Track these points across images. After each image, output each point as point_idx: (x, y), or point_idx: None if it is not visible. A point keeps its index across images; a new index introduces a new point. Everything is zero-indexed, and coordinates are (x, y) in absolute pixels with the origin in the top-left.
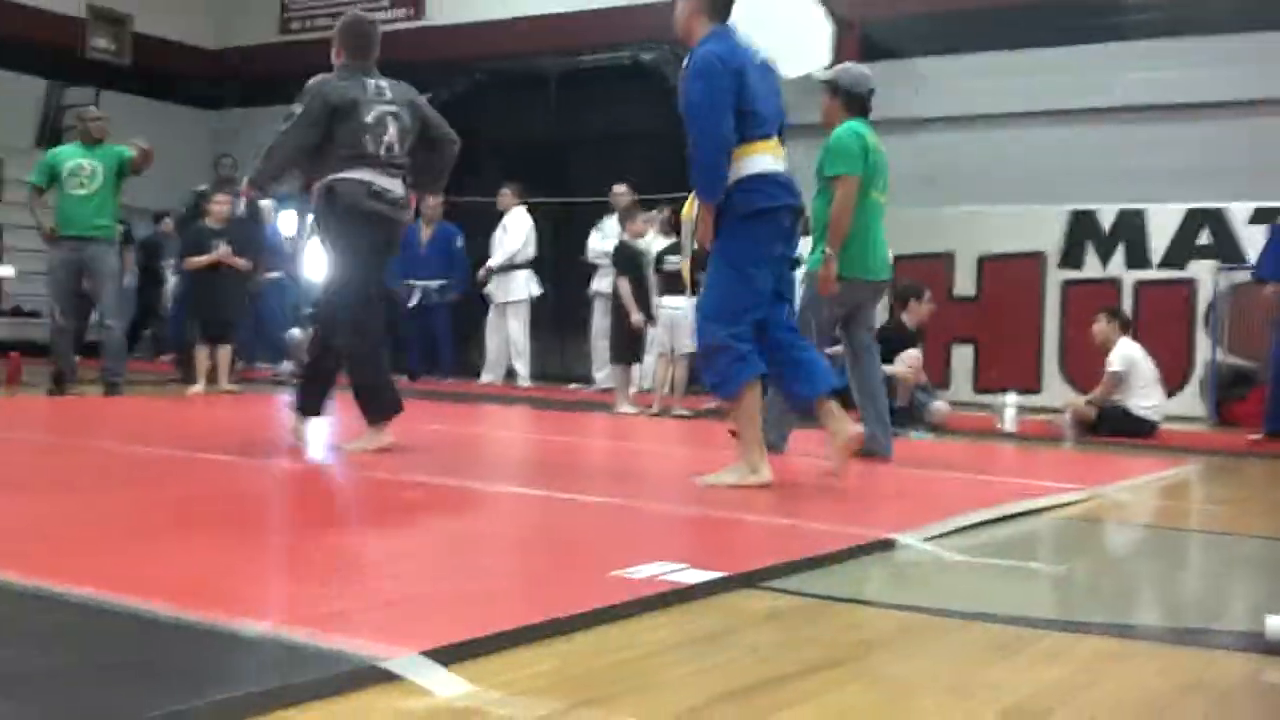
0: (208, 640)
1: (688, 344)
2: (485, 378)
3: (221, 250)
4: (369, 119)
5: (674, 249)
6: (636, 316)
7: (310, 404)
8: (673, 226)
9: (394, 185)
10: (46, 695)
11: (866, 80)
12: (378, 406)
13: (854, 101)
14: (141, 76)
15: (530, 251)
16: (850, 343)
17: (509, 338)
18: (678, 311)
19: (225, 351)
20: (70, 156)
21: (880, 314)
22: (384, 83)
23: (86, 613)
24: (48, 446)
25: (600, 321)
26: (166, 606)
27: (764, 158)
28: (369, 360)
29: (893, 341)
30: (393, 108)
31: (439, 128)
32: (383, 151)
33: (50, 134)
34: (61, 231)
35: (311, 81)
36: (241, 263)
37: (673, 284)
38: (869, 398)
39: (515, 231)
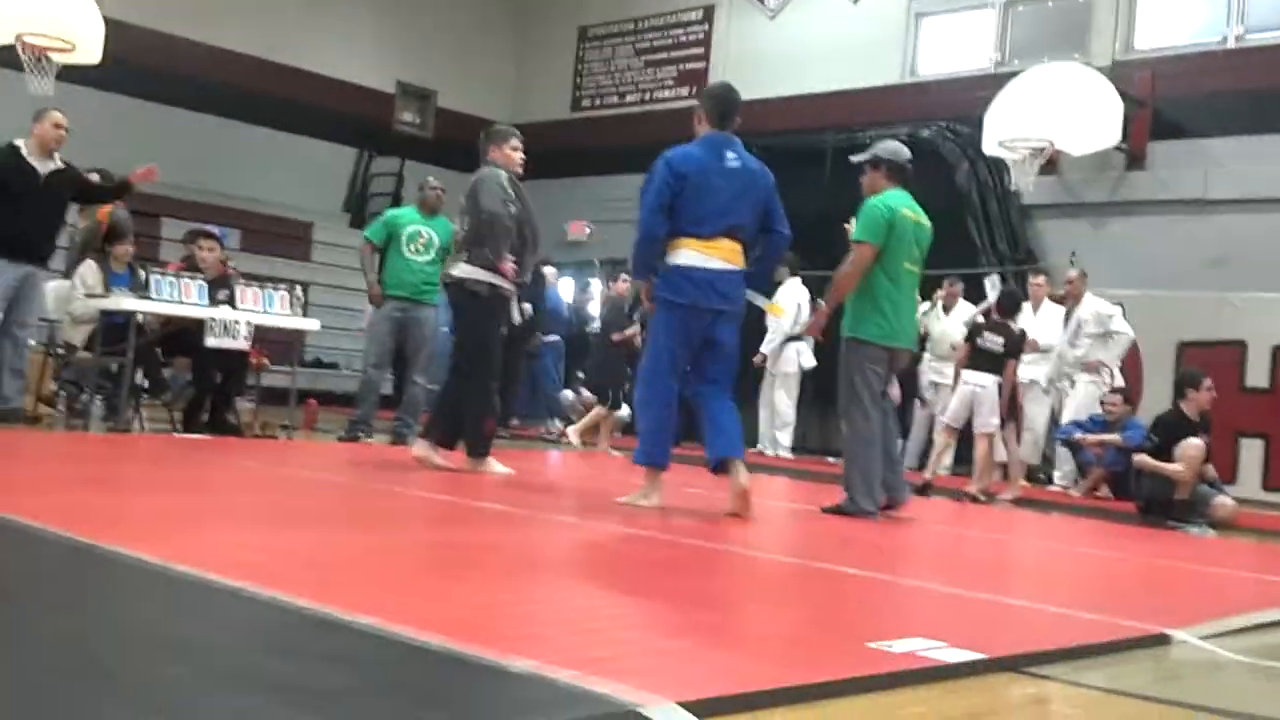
0: (477, 673)
1: (991, 422)
2: (758, 447)
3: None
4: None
5: (995, 328)
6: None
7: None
8: (1001, 309)
9: (454, 268)
10: (335, 710)
11: (903, 152)
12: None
13: (895, 171)
14: (442, 148)
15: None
16: (862, 407)
17: (775, 408)
18: (982, 390)
19: (610, 419)
20: (411, 221)
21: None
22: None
23: (368, 640)
24: (343, 487)
25: None
26: (440, 639)
27: (690, 254)
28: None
29: (1172, 429)
30: (462, 196)
31: (479, 202)
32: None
33: (357, 201)
34: (390, 291)
35: None
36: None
37: (981, 360)
38: (888, 457)
39: (787, 307)
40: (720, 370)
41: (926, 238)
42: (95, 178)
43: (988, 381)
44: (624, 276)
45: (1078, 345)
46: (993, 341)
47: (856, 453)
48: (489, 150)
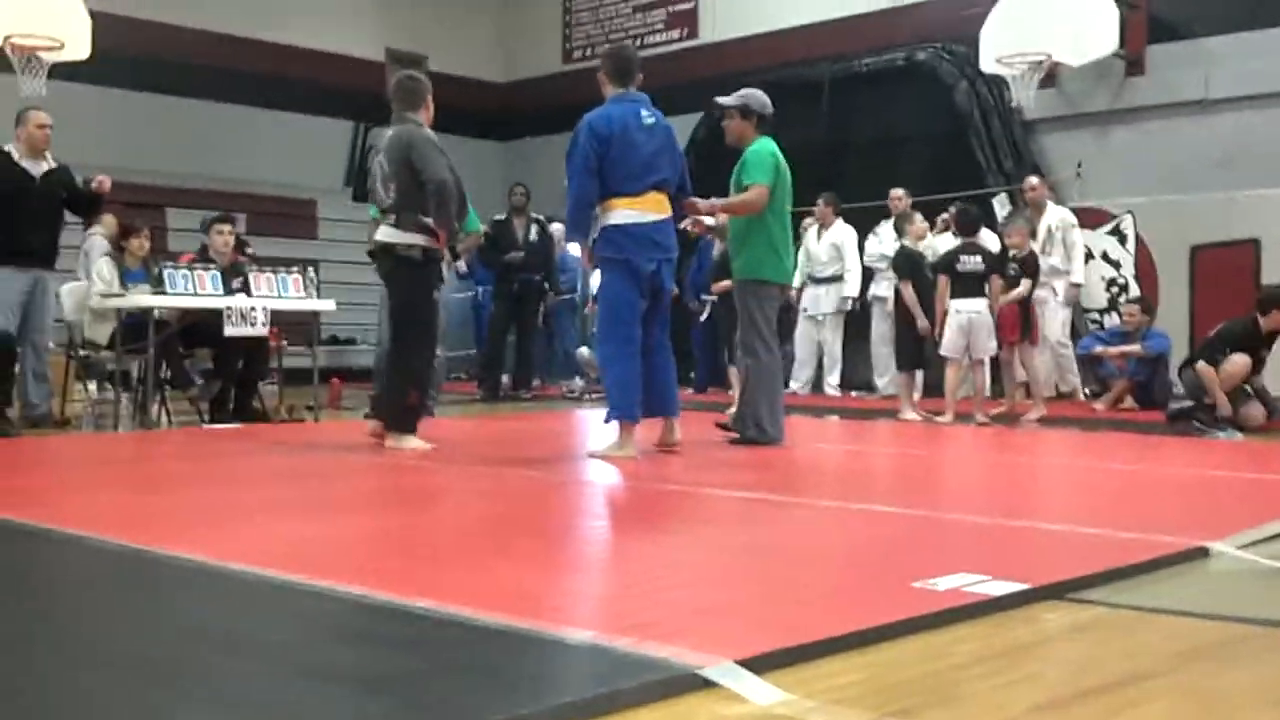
0: (537, 647)
1: (989, 346)
2: (793, 386)
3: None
4: (371, 169)
5: (970, 249)
6: (923, 322)
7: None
8: (961, 227)
9: (380, 233)
10: (407, 694)
11: (769, 102)
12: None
13: (763, 121)
14: (436, 112)
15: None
16: (762, 340)
17: (824, 348)
18: (976, 315)
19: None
20: None
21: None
22: (390, 130)
23: (427, 623)
24: (375, 466)
25: (879, 327)
26: (497, 616)
27: (625, 211)
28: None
29: (1238, 340)
30: (381, 155)
31: (421, 170)
32: (377, 200)
33: (358, 174)
34: None
35: None
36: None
37: (969, 286)
38: (767, 394)
39: (850, 250)
40: (660, 319)
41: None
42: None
43: (980, 306)
44: None
45: (1049, 253)
46: (972, 263)
47: (763, 384)
48: (422, 104)
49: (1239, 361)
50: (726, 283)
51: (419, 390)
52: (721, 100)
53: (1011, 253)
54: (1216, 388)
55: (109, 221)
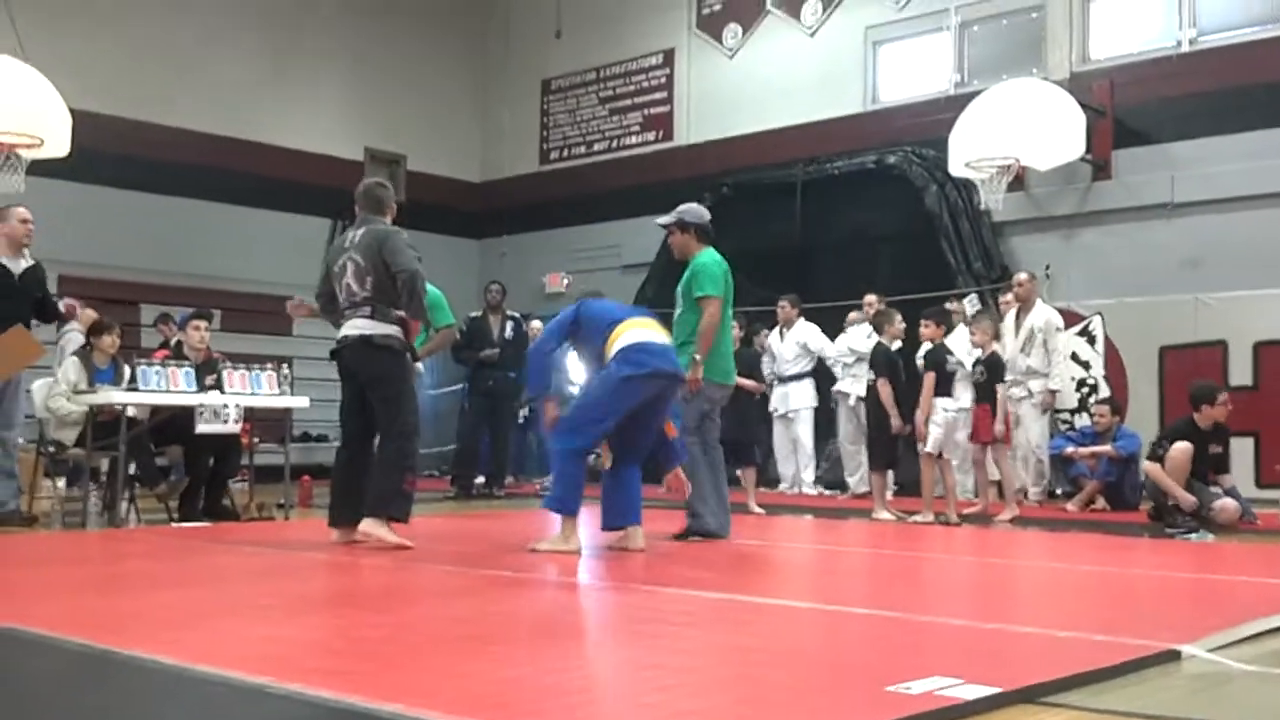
0: None
1: (963, 443)
2: (782, 487)
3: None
4: (336, 268)
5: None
6: (898, 421)
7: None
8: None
9: (352, 326)
10: None
11: (705, 214)
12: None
13: (703, 233)
14: (413, 211)
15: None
16: (704, 438)
17: (798, 444)
18: (960, 413)
19: (749, 473)
20: None
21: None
22: (360, 230)
23: None
24: (346, 565)
25: (845, 426)
26: None
27: (636, 332)
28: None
29: (1179, 438)
30: (354, 252)
31: (394, 264)
32: (343, 297)
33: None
34: None
35: None
36: (751, 384)
37: (950, 384)
38: (714, 487)
39: (820, 339)
40: (645, 440)
41: None
42: None
43: (965, 404)
44: None
45: (1030, 354)
46: (952, 361)
47: (711, 476)
48: (386, 211)
49: (1179, 448)
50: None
51: (415, 477)
52: (659, 220)
53: (975, 353)
54: (1167, 480)
55: (86, 316)
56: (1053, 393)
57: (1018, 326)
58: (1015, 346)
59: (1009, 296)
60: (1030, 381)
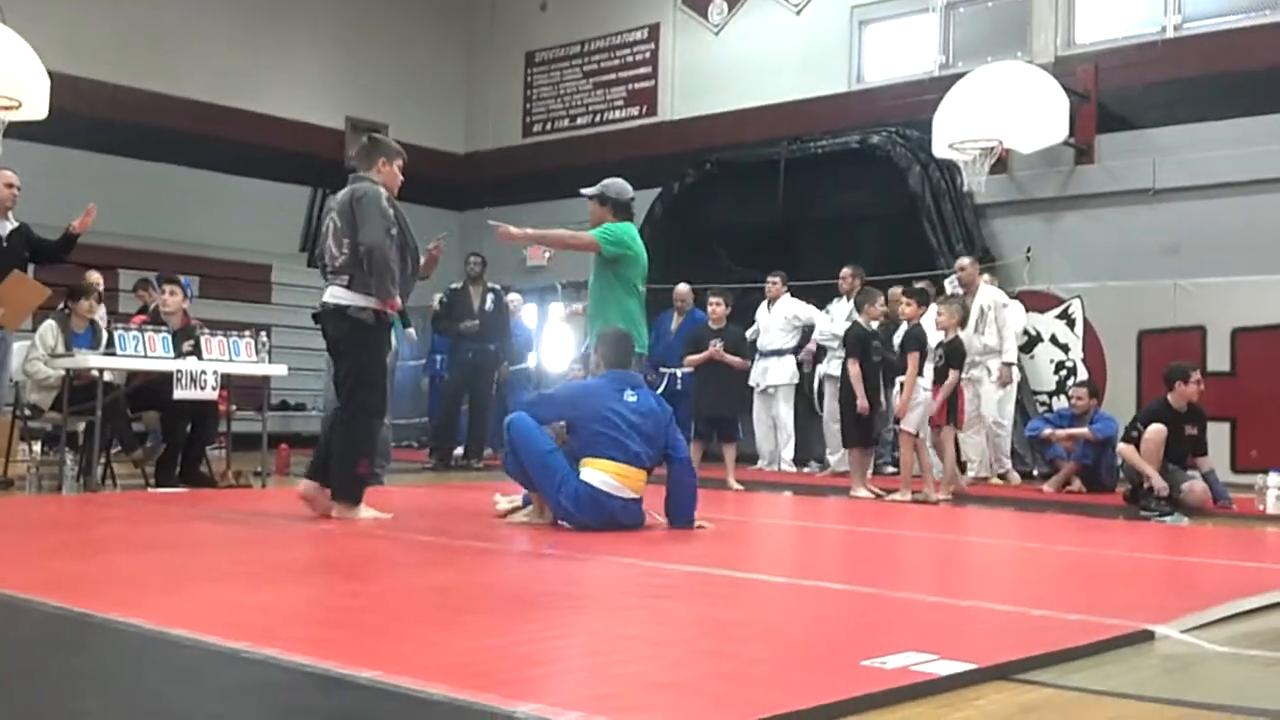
0: None
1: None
2: (760, 464)
3: (716, 347)
4: (323, 229)
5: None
6: (862, 402)
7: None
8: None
9: (330, 294)
10: None
11: (627, 190)
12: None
13: (621, 209)
14: None
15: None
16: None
17: (778, 421)
18: (926, 394)
19: (730, 449)
20: None
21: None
22: (346, 189)
23: (372, 694)
24: (324, 534)
25: (831, 404)
26: (443, 689)
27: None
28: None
29: (1154, 419)
30: (334, 212)
31: (359, 234)
32: (326, 259)
33: (314, 238)
34: None
35: None
36: (737, 360)
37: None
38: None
39: (809, 310)
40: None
41: None
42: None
43: (929, 384)
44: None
45: (983, 333)
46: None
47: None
48: (377, 163)
49: (1154, 429)
50: (697, 356)
51: (369, 459)
52: (583, 191)
53: (938, 336)
54: (1140, 462)
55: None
56: (1008, 365)
57: (966, 310)
58: (970, 328)
59: (954, 280)
60: (989, 360)
